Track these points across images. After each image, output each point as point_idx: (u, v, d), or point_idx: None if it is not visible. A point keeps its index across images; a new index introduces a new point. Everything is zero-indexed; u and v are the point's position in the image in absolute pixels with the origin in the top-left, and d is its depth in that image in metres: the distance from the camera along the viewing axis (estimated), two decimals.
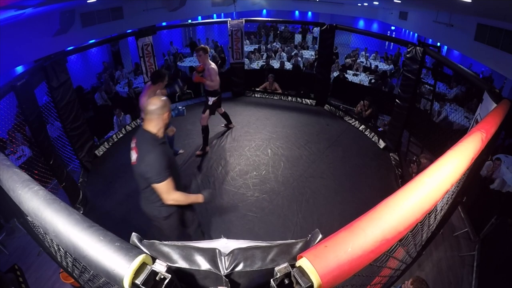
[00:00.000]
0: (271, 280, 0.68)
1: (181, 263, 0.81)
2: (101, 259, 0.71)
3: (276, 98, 6.30)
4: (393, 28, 14.27)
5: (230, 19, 5.78)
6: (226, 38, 5.99)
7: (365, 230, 0.74)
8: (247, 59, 8.64)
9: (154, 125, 1.87)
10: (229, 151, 4.44)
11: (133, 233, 0.87)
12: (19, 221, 1.40)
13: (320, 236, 0.87)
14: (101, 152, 4.58)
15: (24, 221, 1.34)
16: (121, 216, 3.37)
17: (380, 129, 5.19)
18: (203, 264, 0.82)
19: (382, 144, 4.75)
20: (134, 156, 1.91)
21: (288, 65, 8.71)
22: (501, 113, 1.73)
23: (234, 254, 0.83)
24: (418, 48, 3.87)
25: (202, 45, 4.64)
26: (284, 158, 4.27)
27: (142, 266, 0.69)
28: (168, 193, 1.93)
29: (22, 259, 3.15)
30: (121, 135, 5.01)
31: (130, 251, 0.71)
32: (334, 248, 0.69)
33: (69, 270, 1.43)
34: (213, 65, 3.96)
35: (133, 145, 1.92)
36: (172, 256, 0.82)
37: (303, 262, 0.66)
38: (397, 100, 4.37)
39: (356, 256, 0.69)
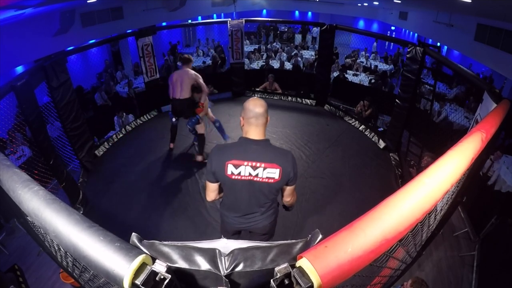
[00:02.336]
0: (271, 280, 0.68)
1: (181, 263, 0.81)
2: (101, 259, 0.71)
3: (276, 98, 6.30)
4: (393, 28, 14.26)
5: (230, 19, 5.78)
6: (226, 38, 5.99)
7: (365, 230, 0.74)
8: (247, 59, 8.63)
9: (264, 130, 1.64)
10: None
11: (133, 233, 0.87)
12: (19, 221, 1.40)
13: (320, 236, 0.87)
14: (101, 152, 4.58)
15: (24, 221, 1.34)
16: (121, 216, 3.37)
17: (381, 129, 5.19)
18: (203, 264, 0.82)
19: (382, 144, 4.75)
20: (263, 172, 1.60)
21: (288, 65, 8.71)
22: (501, 113, 1.73)
23: (234, 254, 0.83)
24: (418, 48, 3.87)
25: (186, 55, 4.00)
26: None
27: (142, 266, 0.69)
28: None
29: (22, 259, 3.15)
30: (121, 135, 5.02)
31: (130, 251, 0.71)
32: (334, 248, 0.69)
33: (69, 270, 1.43)
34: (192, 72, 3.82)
35: (247, 161, 1.58)
36: (172, 256, 0.82)
37: (303, 262, 0.66)
38: (397, 100, 4.37)
39: (356, 256, 0.69)
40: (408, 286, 1.97)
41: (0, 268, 2.69)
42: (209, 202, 2.01)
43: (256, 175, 1.61)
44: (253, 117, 1.60)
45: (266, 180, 1.62)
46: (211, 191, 1.77)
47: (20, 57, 5.74)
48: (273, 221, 1.93)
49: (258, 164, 1.58)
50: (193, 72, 3.82)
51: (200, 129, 4.00)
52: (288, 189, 1.76)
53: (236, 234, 2.04)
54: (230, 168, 1.60)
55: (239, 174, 1.61)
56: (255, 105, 1.61)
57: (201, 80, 3.79)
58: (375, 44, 11.60)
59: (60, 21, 6.43)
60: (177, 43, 10.80)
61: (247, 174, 1.60)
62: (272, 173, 1.60)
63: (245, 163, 1.58)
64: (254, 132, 1.63)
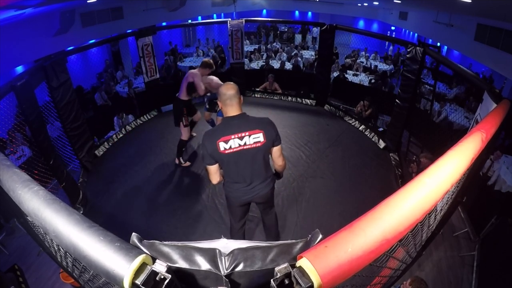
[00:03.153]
0: (271, 280, 0.68)
1: (181, 263, 0.81)
2: (101, 259, 0.71)
3: (276, 98, 6.30)
4: (393, 28, 14.27)
5: (230, 19, 5.78)
6: (226, 38, 5.99)
7: (365, 230, 0.74)
8: (247, 59, 8.63)
9: (240, 107, 1.95)
10: None
11: (133, 233, 0.87)
12: (19, 221, 1.40)
13: (320, 236, 0.87)
14: (101, 152, 4.58)
15: (24, 221, 1.34)
16: (121, 216, 3.38)
17: (381, 129, 5.19)
18: (203, 264, 0.81)
19: (382, 144, 4.75)
20: (251, 138, 1.89)
21: (288, 65, 8.71)
22: (501, 113, 1.73)
23: (234, 254, 0.83)
24: (418, 48, 3.87)
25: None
26: None
27: (142, 266, 0.69)
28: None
29: (22, 259, 3.15)
30: (121, 135, 5.02)
31: (130, 251, 0.71)
32: (334, 248, 0.69)
33: (69, 270, 1.43)
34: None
35: (235, 134, 1.87)
36: (172, 256, 0.82)
37: (303, 262, 0.66)
38: (397, 100, 4.37)
39: (356, 256, 0.69)
40: (407, 285, 1.97)
41: (0, 268, 2.70)
42: (215, 185, 2.21)
43: (245, 144, 1.89)
44: (228, 99, 1.89)
45: (254, 145, 1.90)
46: (214, 173, 2.00)
47: (20, 57, 5.75)
48: (272, 188, 2.22)
49: (243, 134, 1.88)
50: (198, 73, 3.66)
51: (184, 133, 3.91)
52: (276, 150, 2.04)
53: (245, 207, 2.29)
54: (222, 145, 1.87)
55: (230, 147, 1.88)
56: (227, 89, 1.90)
57: (197, 79, 3.60)
58: (391, 48, 11.61)
59: (60, 21, 6.43)
60: (175, 46, 10.79)
61: (237, 145, 1.88)
62: (257, 137, 1.90)
63: (232, 136, 1.87)
64: (232, 110, 1.91)
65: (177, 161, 4.15)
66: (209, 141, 1.89)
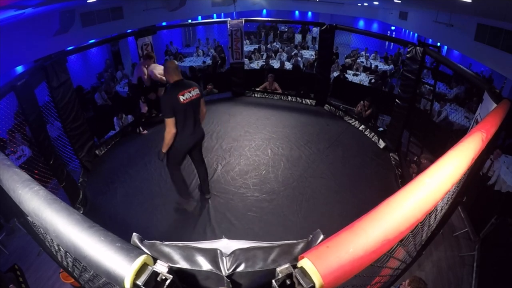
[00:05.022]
0: (273, 280, 0.68)
1: (183, 264, 0.81)
2: (102, 260, 0.71)
3: (276, 98, 6.30)
4: (393, 28, 14.27)
5: (229, 19, 5.77)
6: (226, 38, 5.99)
7: (366, 230, 0.73)
8: (247, 59, 8.63)
9: (181, 75, 2.75)
10: (229, 151, 4.44)
11: (134, 234, 0.87)
12: (19, 221, 1.40)
13: (322, 236, 0.87)
14: (101, 152, 4.57)
15: (24, 221, 1.34)
16: (121, 216, 3.37)
17: (381, 128, 5.19)
18: (205, 265, 0.81)
19: (382, 144, 4.75)
20: (193, 92, 2.72)
21: (288, 65, 8.71)
22: (501, 113, 1.73)
23: (236, 255, 0.83)
24: (418, 48, 3.87)
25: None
26: (284, 158, 4.27)
27: (143, 266, 0.69)
28: None
29: (22, 259, 3.15)
30: (121, 135, 5.01)
31: (131, 252, 0.71)
32: (336, 249, 0.69)
33: (69, 270, 1.43)
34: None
35: (186, 90, 2.67)
36: (173, 257, 0.82)
37: (304, 263, 0.66)
38: (397, 100, 4.37)
39: (357, 257, 0.69)
40: (406, 285, 1.97)
41: (0, 268, 2.70)
42: (172, 136, 2.76)
43: (191, 96, 2.70)
44: (174, 69, 2.70)
45: (196, 96, 2.75)
46: (172, 124, 2.66)
47: (20, 57, 5.74)
48: (203, 130, 3.04)
49: (189, 89, 2.71)
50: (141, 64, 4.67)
51: (142, 107, 4.91)
52: (202, 101, 2.91)
53: (189, 152, 3.04)
54: (181, 98, 2.62)
55: (186, 98, 2.65)
56: (172, 63, 2.77)
57: (139, 69, 4.64)
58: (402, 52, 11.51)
59: (60, 21, 6.42)
60: (170, 43, 10.79)
61: (189, 97, 2.68)
62: (196, 91, 2.76)
63: (185, 91, 2.67)
64: (177, 77, 2.70)
65: (137, 130, 5.02)
66: (171, 96, 2.61)
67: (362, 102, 5.71)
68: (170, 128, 2.65)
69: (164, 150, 2.79)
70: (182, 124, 2.71)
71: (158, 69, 4.51)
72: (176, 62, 2.83)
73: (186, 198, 3.32)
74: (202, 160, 3.24)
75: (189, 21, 10.68)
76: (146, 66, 4.57)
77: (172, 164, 3.01)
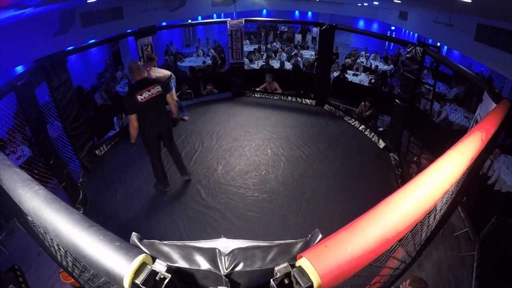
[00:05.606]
0: (271, 280, 0.68)
1: (181, 263, 0.81)
2: (101, 259, 0.71)
3: (276, 98, 6.30)
4: (393, 28, 14.26)
5: (229, 19, 5.78)
6: (226, 38, 5.99)
7: (365, 229, 0.74)
8: (247, 59, 8.63)
9: (143, 74, 3.08)
10: (229, 151, 4.44)
11: (133, 233, 0.87)
12: (19, 221, 1.40)
13: (320, 236, 0.87)
14: (101, 152, 4.58)
15: (24, 220, 1.34)
16: (121, 216, 3.37)
17: (381, 128, 5.19)
18: (203, 264, 0.82)
19: (382, 144, 4.75)
20: (154, 90, 3.04)
21: (288, 65, 8.71)
22: (501, 113, 1.73)
23: (234, 254, 0.83)
24: (418, 48, 3.87)
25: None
26: (284, 158, 4.27)
27: (142, 266, 0.69)
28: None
29: (22, 259, 3.16)
30: (121, 135, 5.01)
31: (130, 251, 0.71)
32: (334, 248, 0.69)
33: (69, 269, 1.43)
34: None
35: (145, 89, 2.99)
36: (172, 256, 0.82)
37: (303, 262, 0.66)
38: (397, 100, 4.37)
39: (356, 256, 0.69)
40: (407, 285, 1.96)
41: (0, 268, 2.70)
42: (134, 130, 3.09)
43: (151, 94, 3.02)
44: (135, 70, 2.98)
45: (156, 93, 3.06)
46: (134, 120, 3.02)
47: (20, 57, 5.74)
48: (169, 120, 3.38)
49: (149, 88, 3.02)
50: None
51: None
52: (169, 95, 3.24)
53: (158, 140, 3.33)
54: (139, 97, 2.95)
55: (144, 97, 2.97)
56: (134, 63, 3.03)
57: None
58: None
59: (60, 21, 6.42)
60: (170, 43, 10.80)
61: (148, 95, 2.99)
62: (157, 89, 3.06)
63: (144, 90, 2.97)
64: (139, 76, 3.01)
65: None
66: (132, 96, 2.94)
67: (363, 103, 5.71)
68: (132, 123, 3.03)
69: (132, 140, 3.20)
70: (145, 118, 3.08)
71: (155, 72, 4.51)
72: (138, 63, 3.11)
73: (163, 185, 3.66)
74: (172, 145, 3.55)
75: (189, 21, 10.67)
76: (148, 69, 4.41)
77: (150, 152, 3.38)
